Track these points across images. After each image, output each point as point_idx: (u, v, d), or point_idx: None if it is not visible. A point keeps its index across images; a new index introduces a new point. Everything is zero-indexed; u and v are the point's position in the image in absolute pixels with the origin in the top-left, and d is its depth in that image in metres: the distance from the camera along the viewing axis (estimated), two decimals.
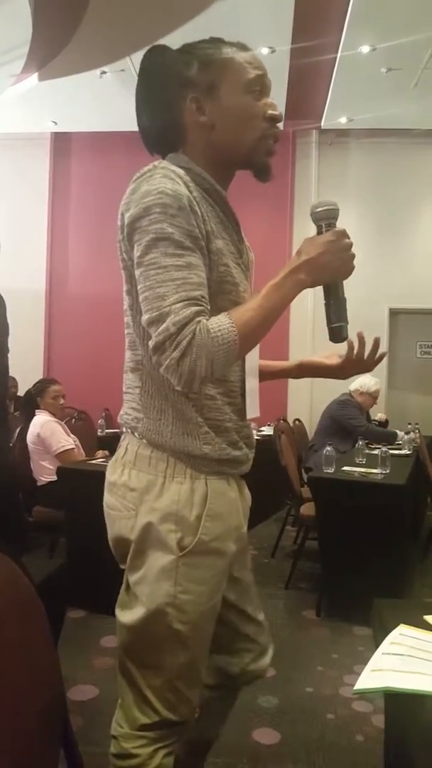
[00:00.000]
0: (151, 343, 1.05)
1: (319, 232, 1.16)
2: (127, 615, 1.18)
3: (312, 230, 1.18)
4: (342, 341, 1.18)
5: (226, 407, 1.19)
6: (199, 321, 1.03)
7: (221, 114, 1.18)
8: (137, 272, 1.08)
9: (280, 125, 1.22)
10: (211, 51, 1.19)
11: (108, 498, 1.23)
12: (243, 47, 1.21)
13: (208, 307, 1.07)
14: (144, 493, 1.16)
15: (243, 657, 1.38)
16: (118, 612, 1.21)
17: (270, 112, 1.19)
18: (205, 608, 1.18)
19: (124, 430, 1.25)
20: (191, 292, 1.04)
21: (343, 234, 1.13)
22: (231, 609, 1.32)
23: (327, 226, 1.15)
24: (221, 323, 1.05)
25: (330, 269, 1.13)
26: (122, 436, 1.25)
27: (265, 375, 1.42)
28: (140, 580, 1.16)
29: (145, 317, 1.06)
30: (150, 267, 1.05)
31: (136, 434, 1.20)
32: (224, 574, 1.23)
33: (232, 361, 1.09)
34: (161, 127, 1.21)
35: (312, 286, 1.14)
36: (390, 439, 4.58)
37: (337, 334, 1.17)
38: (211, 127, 1.19)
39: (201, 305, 1.05)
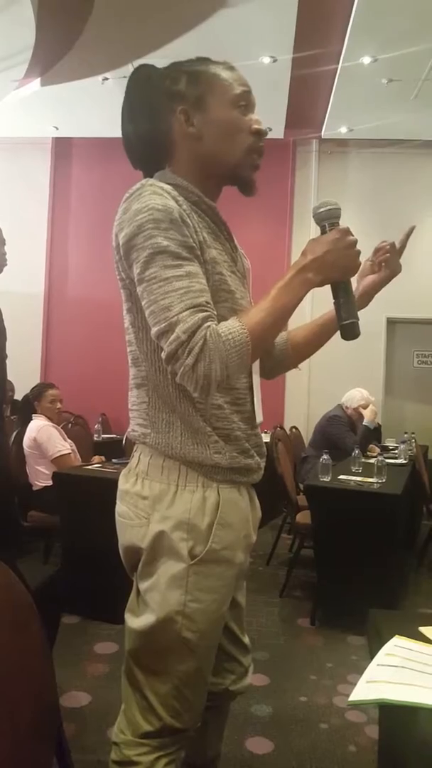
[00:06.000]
0: (163, 355, 1.06)
1: (323, 233, 1.16)
2: (137, 621, 1.18)
3: (312, 236, 1.18)
4: (354, 338, 1.16)
5: (234, 416, 1.19)
6: (209, 326, 1.04)
7: (209, 125, 1.19)
8: (139, 289, 1.09)
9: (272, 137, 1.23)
10: (199, 67, 1.21)
11: (120, 506, 1.24)
12: (229, 66, 1.23)
13: (215, 313, 1.08)
14: (156, 502, 1.16)
15: (225, 678, 1.40)
16: (127, 617, 1.22)
17: (256, 126, 1.21)
18: (214, 617, 1.18)
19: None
20: (196, 299, 1.05)
21: (347, 231, 1.14)
22: (224, 630, 1.32)
23: (330, 225, 1.15)
24: (231, 326, 1.06)
25: (337, 267, 1.13)
26: (135, 447, 1.26)
27: (314, 334, 1.39)
28: (151, 587, 1.16)
29: (153, 330, 1.07)
30: (152, 281, 1.06)
31: (147, 446, 1.20)
32: (233, 583, 1.23)
33: (246, 363, 1.09)
34: (149, 139, 1.22)
35: (320, 285, 1.14)
36: (369, 435, 4.59)
37: (349, 331, 1.16)
38: (198, 138, 1.20)
39: (207, 311, 1.06)
